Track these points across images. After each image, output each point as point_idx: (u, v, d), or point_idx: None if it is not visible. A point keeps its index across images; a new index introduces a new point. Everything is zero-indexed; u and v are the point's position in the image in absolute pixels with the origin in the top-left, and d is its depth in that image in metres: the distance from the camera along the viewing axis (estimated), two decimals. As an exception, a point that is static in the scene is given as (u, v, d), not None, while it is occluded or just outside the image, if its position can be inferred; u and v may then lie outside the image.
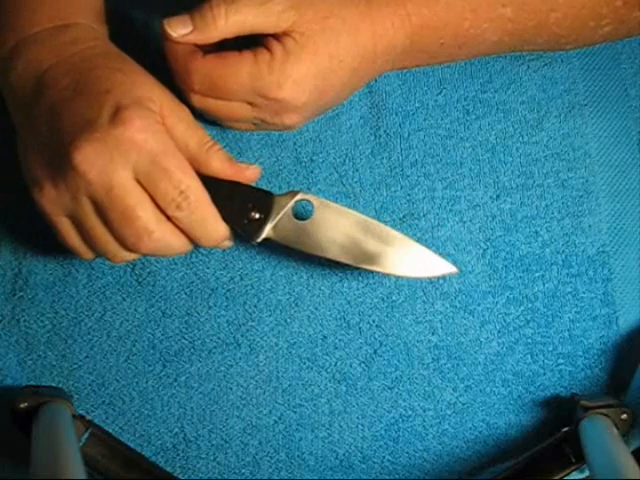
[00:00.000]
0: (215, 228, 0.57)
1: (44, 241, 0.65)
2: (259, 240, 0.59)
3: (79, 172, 0.53)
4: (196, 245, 0.58)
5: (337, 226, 0.59)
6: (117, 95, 0.54)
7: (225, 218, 0.58)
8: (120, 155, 0.53)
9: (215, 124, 0.63)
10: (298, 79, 0.57)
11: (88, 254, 0.58)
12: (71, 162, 0.53)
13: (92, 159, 0.53)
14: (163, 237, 0.56)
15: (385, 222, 0.66)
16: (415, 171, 0.67)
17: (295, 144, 0.67)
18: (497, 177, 0.67)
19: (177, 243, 0.57)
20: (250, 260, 0.66)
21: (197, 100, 0.59)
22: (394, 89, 0.68)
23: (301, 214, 0.60)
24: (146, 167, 0.54)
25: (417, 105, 0.67)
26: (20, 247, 0.66)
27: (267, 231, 0.59)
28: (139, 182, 0.54)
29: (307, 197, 0.59)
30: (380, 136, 0.67)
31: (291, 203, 0.59)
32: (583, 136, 0.68)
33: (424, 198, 0.67)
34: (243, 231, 0.59)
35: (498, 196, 0.67)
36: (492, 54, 0.65)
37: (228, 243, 0.59)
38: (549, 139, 0.68)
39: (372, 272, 0.62)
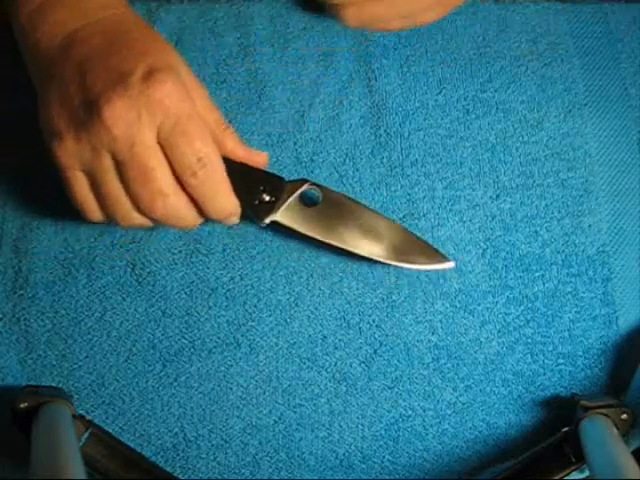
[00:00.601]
0: (226, 201, 0.58)
1: (45, 238, 0.65)
2: (267, 222, 0.60)
3: (106, 125, 0.53)
4: (205, 219, 0.58)
5: (341, 215, 0.61)
6: (151, 58, 0.55)
7: (237, 196, 0.59)
8: (148, 114, 0.54)
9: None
10: None
11: (96, 213, 0.58)
12: (100, 115, 0.53)
13: (120, 114, 0.53)
14: (177, 204, 0.56)
15: (385, 222, 0.66)
16: (415, 171, 0.67)
17: (295, 144, 0.67)
18: (497, 177, 0.67)
19: (188, 214, 0.57)
20: (250, 260, 0.66)
21: None
22: (394, 89, 0.68)
23: (308, 201, 0.61)
24: (169, 130, 0.54)
25: (417, 105, 0.68)
26: (21, 245, 0.66)
27: (276, 214, 0.60)
28: (160, 144, 0.55)
29: (314, 186, 0.62)
30: (380, 136, 0.67)
31: (300, 189, 0.61)
32: (583, 136, 0.69)
33: (424, 198, 0.67)
34: (252, 211, 0.60)
35: (498, 196, 0.67)
36: None
37: (235, 219, 0.60)
38: (549, 139, 0.68)
39: (373, 262, 0.63)
